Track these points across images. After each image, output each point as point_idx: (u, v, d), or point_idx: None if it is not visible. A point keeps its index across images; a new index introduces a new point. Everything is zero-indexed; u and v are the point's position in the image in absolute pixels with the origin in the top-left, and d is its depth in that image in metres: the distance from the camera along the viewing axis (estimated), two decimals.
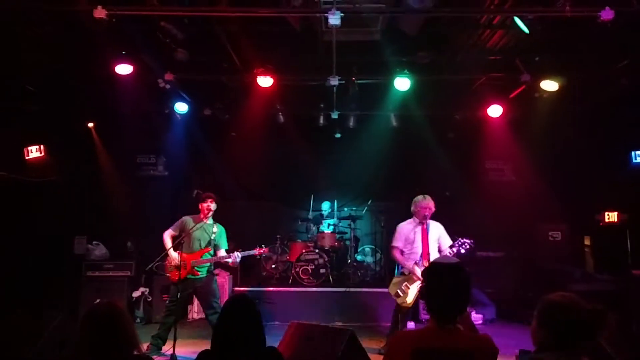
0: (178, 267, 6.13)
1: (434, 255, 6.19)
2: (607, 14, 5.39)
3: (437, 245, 6.38)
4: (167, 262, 6.33)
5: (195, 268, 6.33)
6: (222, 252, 6.51)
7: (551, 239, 9.10)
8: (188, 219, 6.46)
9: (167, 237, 6.39)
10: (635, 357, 5.03)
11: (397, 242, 6.46)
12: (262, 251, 6.68)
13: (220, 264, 9.09)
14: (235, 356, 2.71)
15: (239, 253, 6.37)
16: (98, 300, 2.76)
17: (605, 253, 8.58)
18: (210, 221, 6.52)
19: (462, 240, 6.01)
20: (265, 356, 2.84)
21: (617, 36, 6.03)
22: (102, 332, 2.54)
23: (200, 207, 6.48)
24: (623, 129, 8.55)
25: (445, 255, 6.02)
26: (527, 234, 9.43)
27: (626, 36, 6.15)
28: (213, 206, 6.45)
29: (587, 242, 9.00)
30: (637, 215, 8.21)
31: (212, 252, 6.45)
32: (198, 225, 6.36)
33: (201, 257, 6.35)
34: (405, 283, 6.17)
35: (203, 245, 6.41)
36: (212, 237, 6.44)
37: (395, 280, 6.38)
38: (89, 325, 2.58)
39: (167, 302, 6.45)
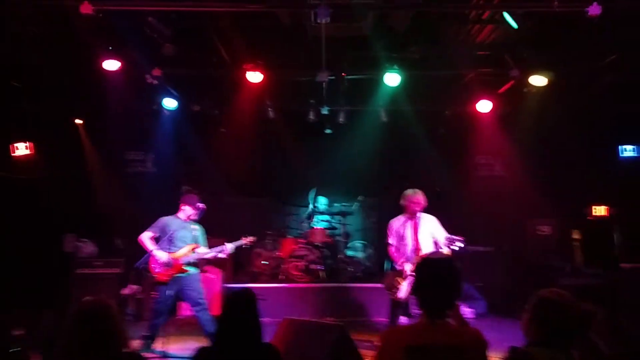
0: (167, 266, 6.09)
1: (426, 250, 6.17)
2: (594, 10, 5.44)
3: (432, 239, 6.30)
4: (151, 263, 6.24)
5: (184, 266, 6.31)
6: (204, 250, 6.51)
7: (540, 233, 9.15)
8: (168, 219, 6.40)
9: (147, 239, 6.25)
10: (625, 350, 5.07)
11: (389, 239, 6.48)
12: (249, 240, 6.64)
13: (211, 260, 9.07)
14: (235, 351, 2.70)
15: (229, 244, 6.38)
16: (87, 298, 2.74)
17: (593, 247, 8.65)
18: (191, 220, 6.52)
19: (452, 238, 5.90)
20: (264, 352, 2.83)
21: (604, 32, 6.07)
22: (92, 329, 2.52)
23: (182, 207, 6.43)
24: (610, 124, 8.62)
25: (436, 251, 6.05)
26: (517, 228, 9.49)
27: (613, 32, 6.20)
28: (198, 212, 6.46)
29: (575, 236, 9.06)
30: (625, 209, 8.30)
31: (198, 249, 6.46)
32: (180, 225, 6.35)
33: (190, 253, 6.34)
34: (397, 278, 6.19)
35: (188, 242, 6.39)
36: (194, 234, 6.43)
37: (389, 273, 6.39)
38: (78, 322, 2.55)
39: (155, 303, 6.32)
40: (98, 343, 2.51)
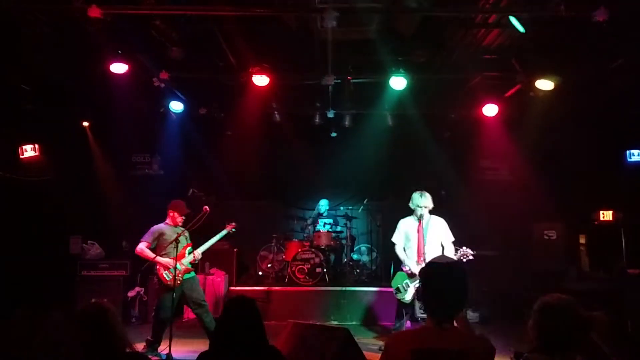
0: (175, 270, 6.14)
1: (431, 252, 6.17)
2: (601, 14, 5.41)
3: (439, 242, 6.34)
4: (159, 271, 6.29)
5: (188, 265, 6.42)
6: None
7: (546, 238, 9.11)
8: (160, 227, 6.48)
9: (146, 250, 6.32)
10: (631, 356, 5.04)
11: (395, 238, 6.49)
12: (231, 227, 6.74)
13: (216, 264, 9.09)
14: (235, 356, 2.71)
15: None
16: (87, 301, 2.77)
17: (600, 252, 8.60)
18: (179, 224, 6.61)
19: (464, 251, 5.97)
20: (266, 355, 2.83)
21: (611, 35, 6.05)
22: (92, 332, 2.54)
23: (170, 214, 6.53)
24: (618, 128, 8.57)
25: (443, 255, 6.05)
26: (523, 232, 9.44)
27: (621, 35, 6.17)
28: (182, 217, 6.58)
29: (582, 240, 9.02)
30: (632, 214, 8.24)
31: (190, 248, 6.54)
32: (172, 230, 6.45)
33: (187, 253, 6.43)
34: (406, 280, 6.19)
35: (182, 244, 6.45)
36: (185, 235, 6.49)
37: (397, 275, 6.39)
38: (79, 326, 2.58)
39: (158, 308, 6.33)
40: (99, 344, 2.54)
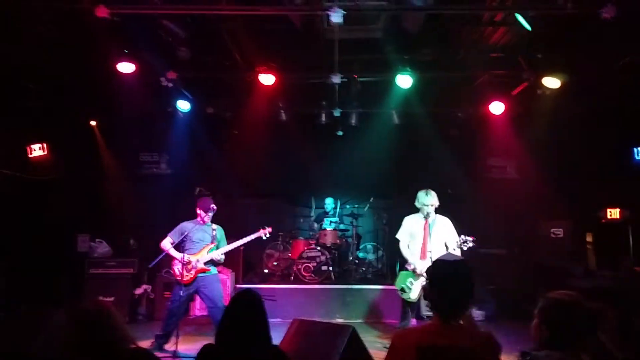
0: (192, 268, 6.16)
1: (435, 251, 6.17)
2: (608, 11, 5.40)
3: (444, 241, 6.33)
4: (174, 267, 6.33)
5: (205, 265, 6.38)
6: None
7: (553, 236, 9.08)
8: (185, 224, 6.49)
9: (169, 245, 6.35)
10: (637, 354, 5.02)
11: (400, 235, 6.50)
12: (266, 231, 6.72)
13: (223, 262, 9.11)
14: (239, 351, 2.71)
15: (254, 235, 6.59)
16: (86, 302, 2.79)
17: (607, 250, 8.56)
18: (208, 222, 6.56)
19: (464, 238, 5.99)
20: (270, 355, 2.84)
21: (619, 33, 6.03)
22: (94, 330, 2.55)
23: (199, 212, 6.49)
24: (625, 126, 8.54)
25: (450, 253, 6.05)
26: (529, 230, 9.43)
27: (628, 33, 6.15)
28: (212, 213, 6.50)
29: (589, 238, 8.98)
30: (639, 211, 8.21)
31: (216, 246, 6.47)
32: (197, 227, 6.41)
33: (208, 252, 6.39)
34: (410, 279, 6.19)
35: (206, 242, 6.44)
36: (213, 234, 6.48)
37: (401, 275, 6.39)
38: (80, 325, 2.59)
39: (169, 303, 6.40)
40: (101, 342, 2.55)
